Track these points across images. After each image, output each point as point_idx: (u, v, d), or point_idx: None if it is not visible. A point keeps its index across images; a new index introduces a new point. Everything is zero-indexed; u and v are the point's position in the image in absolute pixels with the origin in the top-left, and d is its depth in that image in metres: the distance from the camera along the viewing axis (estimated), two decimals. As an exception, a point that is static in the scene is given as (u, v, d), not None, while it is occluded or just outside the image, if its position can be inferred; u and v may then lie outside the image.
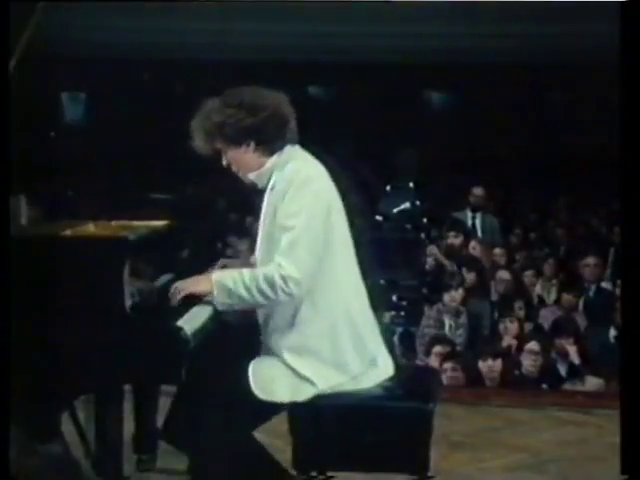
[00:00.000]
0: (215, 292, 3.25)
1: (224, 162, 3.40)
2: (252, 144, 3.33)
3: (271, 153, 3.35)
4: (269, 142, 3.33)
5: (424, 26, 13.05)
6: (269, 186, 3.35)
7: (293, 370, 3.25)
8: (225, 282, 3.26)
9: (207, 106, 3.35)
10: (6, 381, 2.96)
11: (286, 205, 3.23)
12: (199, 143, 3.37)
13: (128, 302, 3.18)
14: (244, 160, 3.36)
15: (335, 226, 3.29)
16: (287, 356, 3.26)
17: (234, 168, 3.41)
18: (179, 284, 3.33)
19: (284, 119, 3.34)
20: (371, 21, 12.92)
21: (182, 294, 3.30)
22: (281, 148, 3.35)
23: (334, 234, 3.28)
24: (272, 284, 3.19)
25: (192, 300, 3.32)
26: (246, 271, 3.28)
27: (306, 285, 3.20)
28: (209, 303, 3.32)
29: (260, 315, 3.36)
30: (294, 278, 3.17)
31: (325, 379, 3.26)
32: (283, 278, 3.17)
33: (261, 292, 3.20)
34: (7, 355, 2.98)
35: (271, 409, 3.27)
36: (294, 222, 3.21)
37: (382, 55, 13.89)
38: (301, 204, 3.22)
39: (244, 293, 3.22)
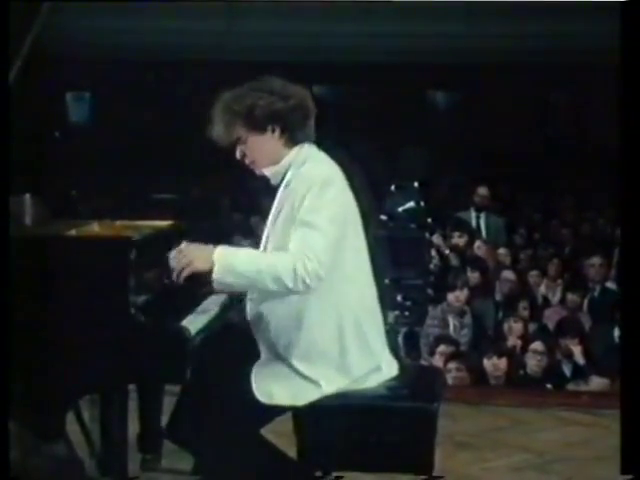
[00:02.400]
0: (218, 270, 3.14)
1: (238, 154, 3.34)
2: (277, 130, 3.29)
3: (293, 144, 3.31)
4: (293, 131, 3.30)
5: (428, 26, 13.07)
6: (283, 183, 3.32)
7: (298, 373, 3.24)
8: (230, 260, 3.17)
9: (232, 92, 3.30)
10: (6, 381, 2.95)
11: (308, 203, 3.19)
12: (219, 130, 3.30)
13: (132, 302, 3.18)
14: (264, 148, 3.32)
15: (349, 230, 3.27)
16: (296, 362, 3.23)
17: (249, 159, 3.34)
18: (182, 252, 3.19)
19: (309, 112, 3.33)
20: (375, 21, 12.94)
21: (185, 274, 3.16)
22: (302, 141, 3.33)
23: (347, 238, 3.25)
24: (294, 274, 3.11)
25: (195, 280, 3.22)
26: (259, 254, 3.24)
27: (321, 281, 3.16)
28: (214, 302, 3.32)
29: (254, 315, 3.30)
30: (318, 273, 3.13)
31: (331, 382, 3.24)
32: (307, 270, 3.11)
33: (277, 280, 3.13)
34: (8, 355, 2.98)
35: (276, 409, 3.27)
36: (317, 219, 3.16)
37: (387, 55, 13.90)
38: (323, 203, 3.18)
39: (254, 276, 3.15)
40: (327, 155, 3.38)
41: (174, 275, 3.19)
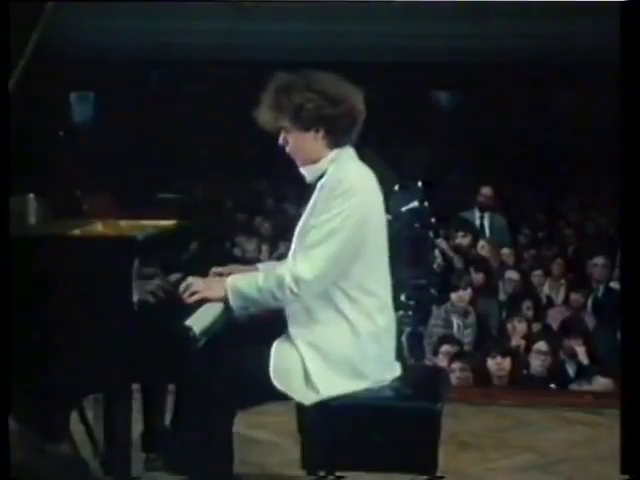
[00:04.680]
0: (230, 296, 3.25)
1: (280, 140, 3.33)
2: (321, 132, 3.27)
3: (335, 146, 3.30)
4: (338, 135, 3.28)
5: (431, 26, 13.06)
6: (318, 185, 3.30)
7: (306, 374, 3.22)
8: (238, 285, 3.25)
9: (284, 81, 3.28)
10: (7, 381, 2.96)
11: (321, 211, 3.21)
12: (266, 117, 3.29)
13: (136, 302, 3.19)
14: (305, 146, 3.30)
15: (370, 238, 3.25)
16: (302, 347, 3.22)
17: (289, 149, 3.33)
18: (193, 284, 3.32)
19: (358, 117, 3.32)
20: (377, 21, 12.93)
21: (195, 297, 3.29)
22: (345, 144, 3.32)
23: (367, 245, 3.24)
24: (281, 283, 3.17)
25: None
26: (261, 273, 3.30)
27: (316, 289, 3.19)
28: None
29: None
30: (304, 279, 3.15)
31: (334, 387, 3.23)
32: (294, 277, 3.15)
33: (270, 292, 3.19)
34: (11, 355, 2.98)
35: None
36: (323, 228, 3.18)
37: (390, 55, 13.89)
38: (336, 212, 3.18)
39: (256, 295, 3.22)
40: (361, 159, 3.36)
41: (186, 294, 3.30)
